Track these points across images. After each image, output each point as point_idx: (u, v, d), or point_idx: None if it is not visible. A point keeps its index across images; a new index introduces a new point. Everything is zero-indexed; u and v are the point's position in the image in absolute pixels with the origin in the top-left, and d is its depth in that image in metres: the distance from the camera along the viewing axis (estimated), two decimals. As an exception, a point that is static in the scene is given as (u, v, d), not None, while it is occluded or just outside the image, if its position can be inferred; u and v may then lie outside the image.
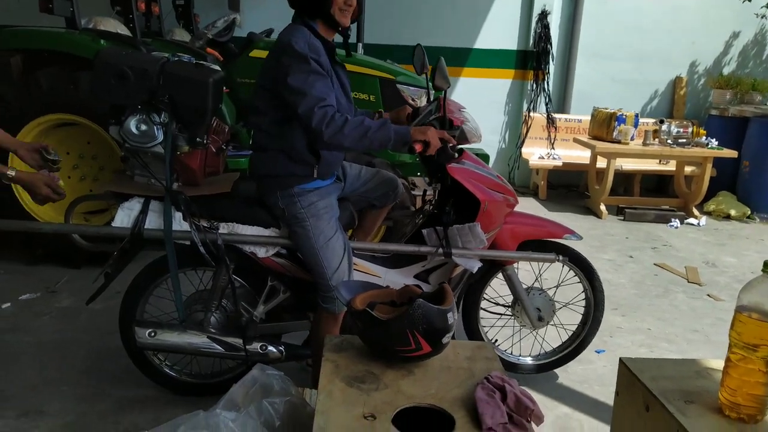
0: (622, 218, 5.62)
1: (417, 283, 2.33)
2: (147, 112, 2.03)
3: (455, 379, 1.51)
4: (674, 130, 5.53)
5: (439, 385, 1.47)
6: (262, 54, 4.03)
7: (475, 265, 2.32)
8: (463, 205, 2.28)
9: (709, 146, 5.51)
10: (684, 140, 5.51)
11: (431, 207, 2.51)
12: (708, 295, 3.87)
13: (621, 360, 1.52)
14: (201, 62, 2.10)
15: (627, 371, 1.48)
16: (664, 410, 1.25)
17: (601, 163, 5.71)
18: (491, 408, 1.33)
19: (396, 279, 2.34)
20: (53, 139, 3.73)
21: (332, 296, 2.15)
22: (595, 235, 5.10)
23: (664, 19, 6.47)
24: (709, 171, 5.61)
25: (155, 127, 2.04)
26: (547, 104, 6.56)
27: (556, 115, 6.52)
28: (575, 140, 6.04)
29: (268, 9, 5.86)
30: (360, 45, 5.03)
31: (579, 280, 2.66)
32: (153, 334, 2.16)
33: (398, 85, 3.87)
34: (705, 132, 5.63)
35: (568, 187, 6.77)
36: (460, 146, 2.32)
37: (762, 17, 6.17)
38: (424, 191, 2.60)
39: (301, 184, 2.12)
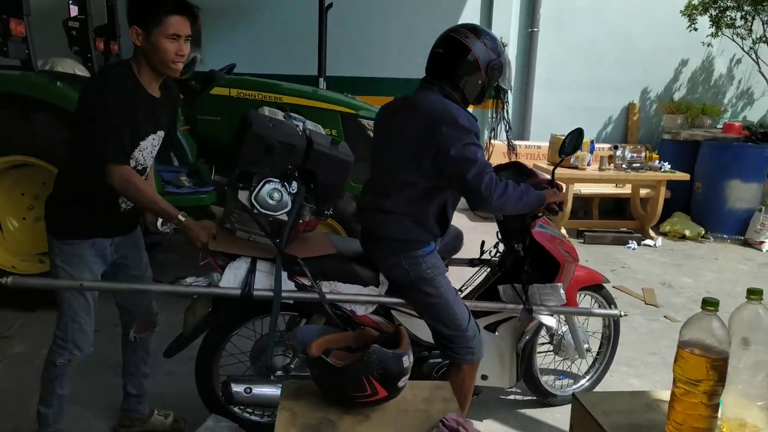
0: (582, 241, 5.74)
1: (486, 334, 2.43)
2: (282, 181, 2.04)
3: (412, 422, 1.52)
4: (628, 155, 5.71)
5: (396, 430, 1.48)
6: (224, 91, 4.02)
7: (553, 321, 2.44)
8: (538, 265, 2.41)
9: (662, 170, 5.70)
10: (638, 164, 5.69)
11: (498, 264, 2.60)
12: (665, 316, 3.97)
13: (574, 395, 1.56)
14: (335, 138, 2.21)
15: (580, 406, 1.52)
16: (613, 446, 1.28)
17: (561, 188, 5.83)
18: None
19: None
20: (7, 181, 3.66)
21: (470, 346, 2.17)
22: (556, 259, 5.19)
23: (615, 49, 6.71)
24: (663, 193, 5.78)
25: (287, 197, 2.05)
26: (507, 132, 6.67)
27: (517, 142, 6.65)
28: (535, 166, 6.16)
29: (229, 45, 5.86)
30: (321, 80, 5.08)
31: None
32: (249, 390, 2.10)
33: (360, 120, 3.91)
34: (658, 156, 5.82)
35: (531, 212, 6.89)
36: None
37: (708, 45, 6.44)
38: (482, 243, 2.68)
39: (424, 248, 2.15)
